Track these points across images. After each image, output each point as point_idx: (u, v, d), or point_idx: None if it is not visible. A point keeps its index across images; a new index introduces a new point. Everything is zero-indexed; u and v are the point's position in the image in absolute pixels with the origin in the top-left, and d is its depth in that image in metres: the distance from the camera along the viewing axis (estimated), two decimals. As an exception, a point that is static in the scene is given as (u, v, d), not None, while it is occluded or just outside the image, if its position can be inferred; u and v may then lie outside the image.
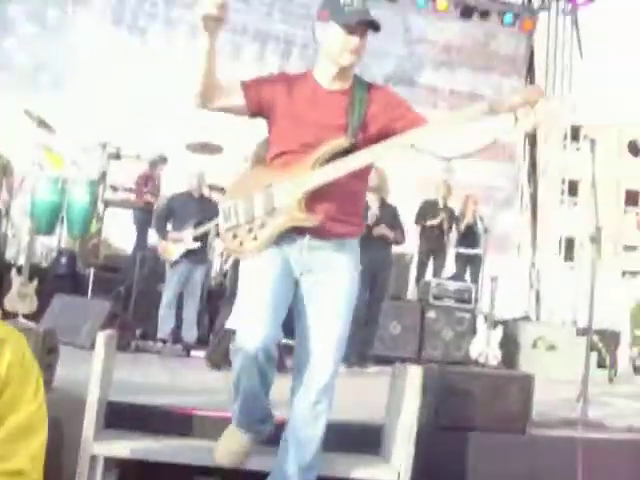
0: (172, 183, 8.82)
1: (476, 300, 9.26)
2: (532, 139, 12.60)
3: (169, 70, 11.26)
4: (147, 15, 11.44)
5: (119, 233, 10.02)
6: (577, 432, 4.34)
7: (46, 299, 7.10)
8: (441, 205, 10.00)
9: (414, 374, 3.31)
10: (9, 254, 9.02)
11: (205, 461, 3.12)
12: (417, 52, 12.34)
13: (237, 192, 2.92)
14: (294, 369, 2.92)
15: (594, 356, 8.58)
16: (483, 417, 3.90)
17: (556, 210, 12.11)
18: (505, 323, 9.13)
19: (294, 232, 2.81)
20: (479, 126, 2.82)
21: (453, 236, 10.52)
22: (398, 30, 12.13)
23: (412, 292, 9.78)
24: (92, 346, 3.19)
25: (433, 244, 10.08)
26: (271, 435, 3.09)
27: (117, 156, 8.63)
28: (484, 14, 12.34)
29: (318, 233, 2.81)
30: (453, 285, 8.93)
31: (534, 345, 8.87)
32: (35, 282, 7.24)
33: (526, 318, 10.91)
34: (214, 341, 6.29)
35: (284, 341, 2.94)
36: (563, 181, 12.30)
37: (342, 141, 2.78)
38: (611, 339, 9.58)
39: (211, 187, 8.46)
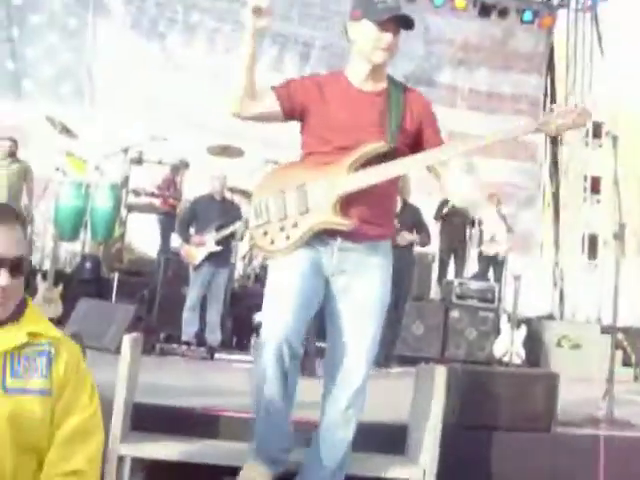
0: (194, 186, 8.88)
1: (499, 299, 9.23)
2: (554, 137, 12.52)
3: (189, 75, 11.35)
4: (167, 20, 11.51)
5: (142, 237, 10.10)
6: (603, 430, 4.32)
7: (71, 304, 7.17)
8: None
9: (438, 374, 3.31)
10: (34, 260, 9.12)
11: (231, 461, 3.14)
12: (436, 51, 12.30)
13: (268, 188, 2.87)
14: (325, 373, 2.90)
15: (619, 354, 8.51)
16: (508, 416, 3.89)
17: (579, 208, 12.01)
18: (529, 322, 9.10)
19: (325, 234, 2.79)
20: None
21: (476, 235, 10.50)
22: (416, 29, 11.86)
23: (435, 292, 9.76)
24: (117, 349, 3.23)
25: (454, 242, 10.08)
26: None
27: (139, 161, 8.70)
28: (502, 12, 12.28)
29: (350, 235, 2.78)
30: (476, 284, 8.90)
31: (558, 344, 8.82)
32: (60, 287, 7.32)
33: (550, 317, 10.86)
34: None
35: (316, 344, 2.94)
36: (585, 178, 12.20)
37: (381, 145, 2.75)
38: (636, 337, 9.50)
39: (232, 190, 8.50)
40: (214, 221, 7.42)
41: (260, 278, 8.68)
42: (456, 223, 10.08)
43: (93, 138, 10.21)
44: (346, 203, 2.75)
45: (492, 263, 10.39)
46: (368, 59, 2.81)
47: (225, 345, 7.65)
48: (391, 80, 2.92)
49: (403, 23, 2.79)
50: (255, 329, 7.07)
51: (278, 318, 2.71)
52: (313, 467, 2.92)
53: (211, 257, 7.36)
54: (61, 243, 8.63)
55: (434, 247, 9.74)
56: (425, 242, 7.52)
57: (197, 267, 7.41)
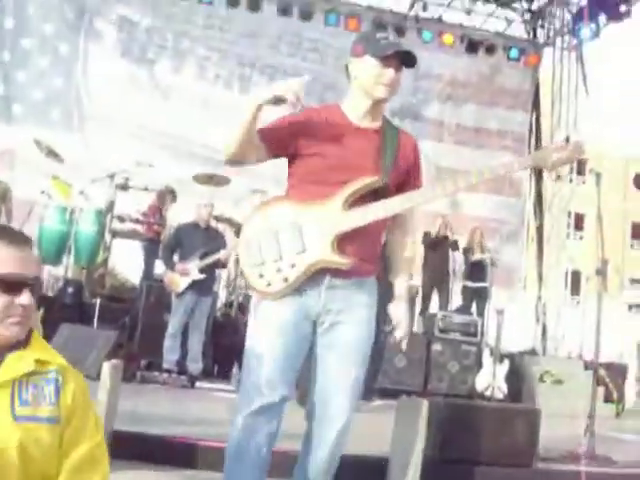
0: (179, 214, 8.88)
1: (482, 333, 9.24)
2: (538, 173, 12.65)
3: (177, 102, 11.41)
4: (156, 47, 11.58)
5: (125, 263, 10.06)
6: (584, 466, 4.31)
7: (52, 328, 7.09)
8: (439, 237, 10.07)
9: (420, 407, 3.30)
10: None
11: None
12: (423, 86, 12.43)
13: (259, 226, 2.77)
14: (309, 412, 2.81)
15: (601, 390, 8.52)
16: (489, 451, 3.88)
17: (562, 244, 12.09)
18: (511, 357, 9.10)
19: (315, 272, 2.72)
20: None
21: (460, 269, 10.56)
22: (404, 64, 12.23)
23: (417, 325, 9.76)
24: (97, 376, 3.20)
25: (437, 275, 10.11)
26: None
27: (125, 187, 8.68)
28: (490, 49, 12.47)
29: (340, 273, 2.72)
30: (459, 318, 8.91)
31: (540, 379, 8.82)
32: (41, 311, 7.24)
33: (532, 352, 10.86)
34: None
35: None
36: (569, 214, 12.31)
37: (376, 180, 2.72)
38: (618, 373, 9.52)
39: (218, 218, 8.50)
40: (198, 249, 7.41)
41: (243, 307, 8.66)
42: (440, 255, 10.13)
43: (80, 162, 10.22)
44: (340, 240, 2.70)
45: (476, 297, 10.43)
46: (370, 95, 2.77)
47: (206, 374, 7.61)
48: (386, 120, 2.92)
49: (405, 60, 2.77)
50: (237, 358, 7.03)
51: (262, 384, 2.66)
52: None
53: (194, 285, 7.34)
54: (44, 267, 8.57)
55: (417, 280, 9.77)
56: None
57: (180, 295, 7.38)
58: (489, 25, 12.74)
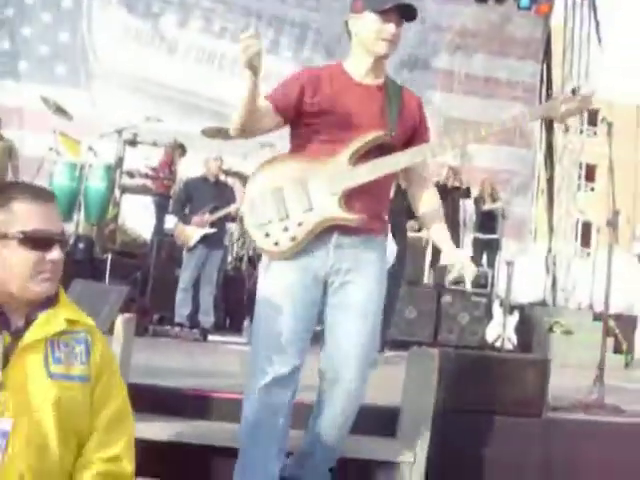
0: (188, 168, 8.87)
1: (492, 285, 9.26)
2: (549, 124, 12.52)
3: (184, 56, 11.31)
4: (161, 1, 11.44)
5: (136, 219, 10.09)
6: (593, 416, 4.35)
7: (64, 285, 7.12)
8: (449, 186, 10.04)
9: (430, 358, 3.32)
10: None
11: (223, 442, 3.15)
12: (432, 37, 12.27)
13: (264, 184, 2.72)
14: (321, 373, 2.78)
15: (610, 341, 8.56)
16: (499, 401, 3.91)
17: (573, 195, 12.01)
18: (521, 308, 9.14)
19: (322, 230, 2.69)
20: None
21: (471, 220, 10.55)
22: (413, 14, 12.06)
23: (428, 277, 9.79)
24: (110, 330, 3.22)
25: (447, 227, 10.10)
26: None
27: (133, 142, 8.67)
28: (500, -2, 12.25)
29: (347, 229, 2.69)
30: (469, 270, 8.92)
31: (550, 330, 8.86)
32: (53, 268, 7.29)
33: (542, 303, 10.89)
34: None
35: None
36: (580, 166, 12.22)
37: (382, 134, 2.69)
38: (628, 324, 9.55)
39: (227, 172, 8.48)
40: (208, 203, 7.42)
41: (253, 261, 8.69)
42: (450, 205, 10.10)
43: (87, 118, 10.19)
44: (347, 196, 2.67)
45: (486, 248, 10.44)
46: (371, 51, 2.75)
47: (218, 327, 7.67)
48: (388, 76, 2.89)
49: (406, 14, 2.72)
50: (249, 311, 7.08)
51: (274, 357, 2.64)
52: (309, 448, 2.91)
53: (205, 239, 7.36)
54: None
55: (426, 232, 9.77)
56: (419, 227, 7.52)
57: (191, 249, 7.41)
58: (499, -27, 12.51)
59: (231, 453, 2.96)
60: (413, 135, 2.84)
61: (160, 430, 3.22)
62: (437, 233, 2.99)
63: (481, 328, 8.43)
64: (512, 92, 12.44)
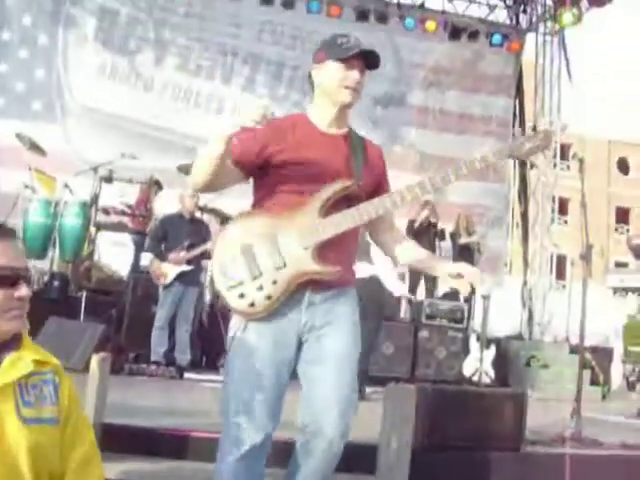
0: (164, 204, 8.85)
1: (469, 319, 9.29)
2: (521, 160, 12.68)
3: (159, 94, 11.35)
4: (137, 38, 11.51)
5: (111, 256, 10.02)
6: (571, 449, 4.35)
7: (38, 323, 7.07)
8: (424, 224, 10.11)
9: (408, 394, 3.32)
10: None
11: (200, 483, 3.12)
12: (406, 73, 12.43)
13: (232, 243, 2.63)
14: (302, 426, 2.63)
15: (587, 373, 8.60)
16: (477, 436, 3.91)
17: (547, 228, 12.13)
18: (498, 342, 9.17)
19: (295, 289, 2.60)
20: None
21: (446, 255, 10.60)
22: (387, 52, 12.24)
23: (405, 312, 9.79)
24: (85, 369, 3.20)
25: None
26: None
27: (109, 179, 8.64)
28: (472, 35, 12.45)
29: (319, 286, 2.62)
30: (445, 304, 8.95)
31: (527, 363, 8.90)
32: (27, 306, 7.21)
33: (519, 336, 10.94)
34: None
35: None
36: (554, 199, 12.36)
37: (349, 184, 2.65)
38: (604, 356, 9.61)
39: (202, 209, 8.48)
40: (184, 240, 7.40)
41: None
42: (426, 242, 10.15)
43: (62, 155, 10.18)
44: (319, 249, 2.60)
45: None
46: (335, 100, 2.70)
47: (194, 365, 7.61)
48: (350, 127, 2.84)
49: (369, 61, 2.71)
50: (225, 349, 7.04)
51: (246, 425, 2.54)
52: None
53: (181, 276, 7.33)
54: (29, 261, 8.53)
55: (404, 267, 9.80)
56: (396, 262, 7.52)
57: (167, 286, 7.37)
58: (471, 11, 12.74)
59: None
60: (377, 187, 2.80)
61: (136, 471, 3.18)
62: (428, 258, 3.00)
63: (458, 363, 8.44)
64: (486, 127, 12.61)
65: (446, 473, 3.79)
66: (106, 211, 8.72)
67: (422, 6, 12.40)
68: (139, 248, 8.76)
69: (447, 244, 10.77)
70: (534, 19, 12.84)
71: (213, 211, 8.75)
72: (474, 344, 8.28)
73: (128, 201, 9.10)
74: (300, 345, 2.66)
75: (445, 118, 12.47)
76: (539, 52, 12.70)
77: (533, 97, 12.66)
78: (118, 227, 9.02)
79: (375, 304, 6.89)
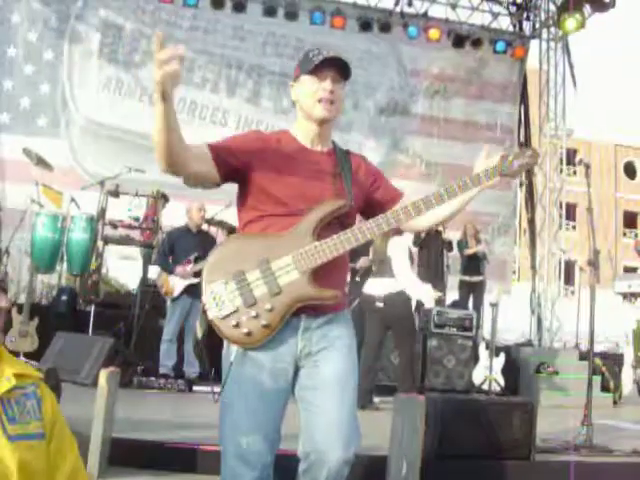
0: (171, 217, 8.87)
1: (478, 327, 9.25)
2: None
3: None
4: (142, 51, 11.55)
5: (119, 269, 10.04)
6: (582, 457, 4.33)
7: (47, 337, 7.10)
8: (431, 233, 10.07)
9: (417, 404, 3.31)
10: (9, 293, 9.03)
11: (210, 497, 3.11)
12: (411, 82, 12.44)
13: (223, 271, 2.53)
14: (304, 454, 2.53)
15: (597, 380, 8.56)
16: (487, 445, 3.89)
17: (554, 235, 12.10)
18: (507, 349, 9.13)
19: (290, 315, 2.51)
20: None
21: (453, 264, 10.59)
22: (391, 61, 12.26)
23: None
24: (94, 383, 3.20)
25: (431, 272, 10.12)
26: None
27: (115, 193, 8.67)
28: (476, 43, 12.45)
29: (314, 311, 2.54)
30: (454, 313, 8.92)
31: (537, 370, 8.86)
32: (36, 320, 7.24)
33: (528, 344, 10.90)
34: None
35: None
36: (561, 205, 12.33)
37: (342, 204, 2.55)
38: (614, 362, 9.57)
39: (209, 221, 8.49)
40: (191, 253, 7.42)
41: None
42: (433, 252, 10.14)
43: (68, 169, 10.22)
44: (315, 273, 2.49)
45: (472, 290, 10.46)
46: (311, 116, 2.63)
47: (203, 377, 7.61)
48: (334, 142, 2.78)
49: (341, 70, 2.63)
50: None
51: (247, 456, 2.46)
52: None
53: (189, 289, 7.34)
54: (37, 275, 8.55)
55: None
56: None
57: (174, 299, 7.38)
58: (475, 19, 12.74)
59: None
60: (375, 191, 2.76)
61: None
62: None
63: (468, 371, 8.41)
64: (491, 135, 12.59)
65: (457, 483, 3.78)
66: (113, 225, 8.74)
67: (425, 15, 12.41)
68: (147, 261, 8.77)
69: (455, 254, 10.76)
70: (537, 25, 12.84)
71: (220, 223, 8.76)
72: (483, 352, 8.25)
73: (135, 214, 9.12)
74: (297, 371, 2.57)
75: (450, 126, 12.46)
76: (543, 58, 12.68)
77: (538, 103, 12.65)
78: (125, 241, 9.04)
79: (406, 321, 6.88)
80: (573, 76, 12.31)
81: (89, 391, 3.96)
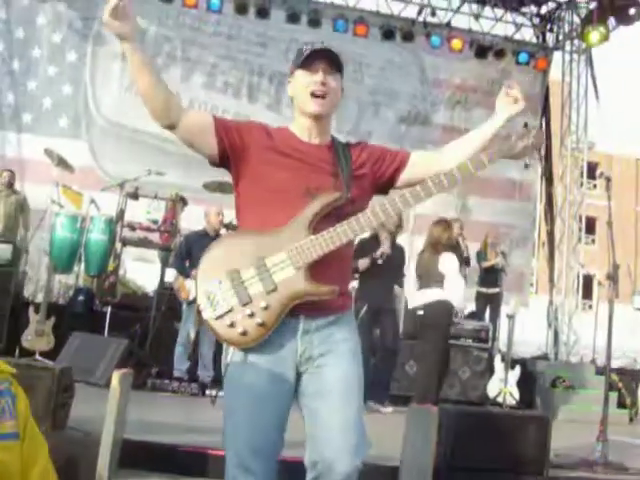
0: (190, 221, 8.90)
1: (494, 339, 9.20)
2: (549, 177, 12.61)
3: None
4: (165, 55, 11.62)
5: (136, 271, 10.08)
6: (597, 474, 4.28)
7: (63, 337, 7.13)
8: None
9: (429, 415, 3.29)
10: (27, 292, 9.10)
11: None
12: (432, 92, 12.42)
13: (217, 269, 2.45)
14: (311, 464, 2.44)
15: (614, 395, 8.47)
16: (500, 458, 3.85)
17: (573, 248, 12.03)
18: (523, 362, 9.06)
19: (287, 315, 2.43)
20: None
21: (472, 275, 10.52)
22: (413, 70, 12.25)
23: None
24: (108, 384, 3.20)
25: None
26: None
27: (135, 195, 8.71)
28: (499, 53, 12.42)
29: (314, 312, 2.46)
30: (470, 324, 8.88)
31: (553, 384, 8.79)
32: (52, 320, 7.28)
33: (544, 357, 10.82)
34: None
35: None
36: (580, 219, 12.25)
37: (338, 196, 2.49)
38: (631, 378, 9.47)
39: (227, 226, 8.50)
40: (208, 256, 7.41)
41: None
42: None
43: (89, 170, 10.29)
44: (312, 268, 2.41)
45: (489, 302, 10.40)
46: (304, 112, 2.61)
47: (217, 381, 7.60)
48: (333, 136, 2.73)
49: (332, 62, 2.58)
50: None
51: (243, 467, 2.41)
52: None
53: (205, 292, 7.33)
54: (55, 275, 8.60)
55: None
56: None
57: (190, 302, 7.39)
58: (498, 30, 12.70)
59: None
60: (384, 169, 2.69)
61: (155, 488, 3.17)
62: (477, 136, 2.98)
63: (482, 383, 8.35)
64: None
65: (469, 496, 3.74)
66: (132, 227, 8.77)
67: (448, 24, 12.40)
68: (164, 264, 8.80)
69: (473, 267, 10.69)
70: (561, 37, 12.79)
71: (237, 228, 8.77)
72: (499, 364, 8.18)
73: (154, 217, 9.14)
74: (298, 376, 2.49)
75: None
76: (566, 70, 12.63)
77: (560, 115, 12.59)
78: (144, 243, 9.07)
79: (439, 329, 6.85)
80: (596, 89, 12.26)
81: (102, 392, 3.96)
